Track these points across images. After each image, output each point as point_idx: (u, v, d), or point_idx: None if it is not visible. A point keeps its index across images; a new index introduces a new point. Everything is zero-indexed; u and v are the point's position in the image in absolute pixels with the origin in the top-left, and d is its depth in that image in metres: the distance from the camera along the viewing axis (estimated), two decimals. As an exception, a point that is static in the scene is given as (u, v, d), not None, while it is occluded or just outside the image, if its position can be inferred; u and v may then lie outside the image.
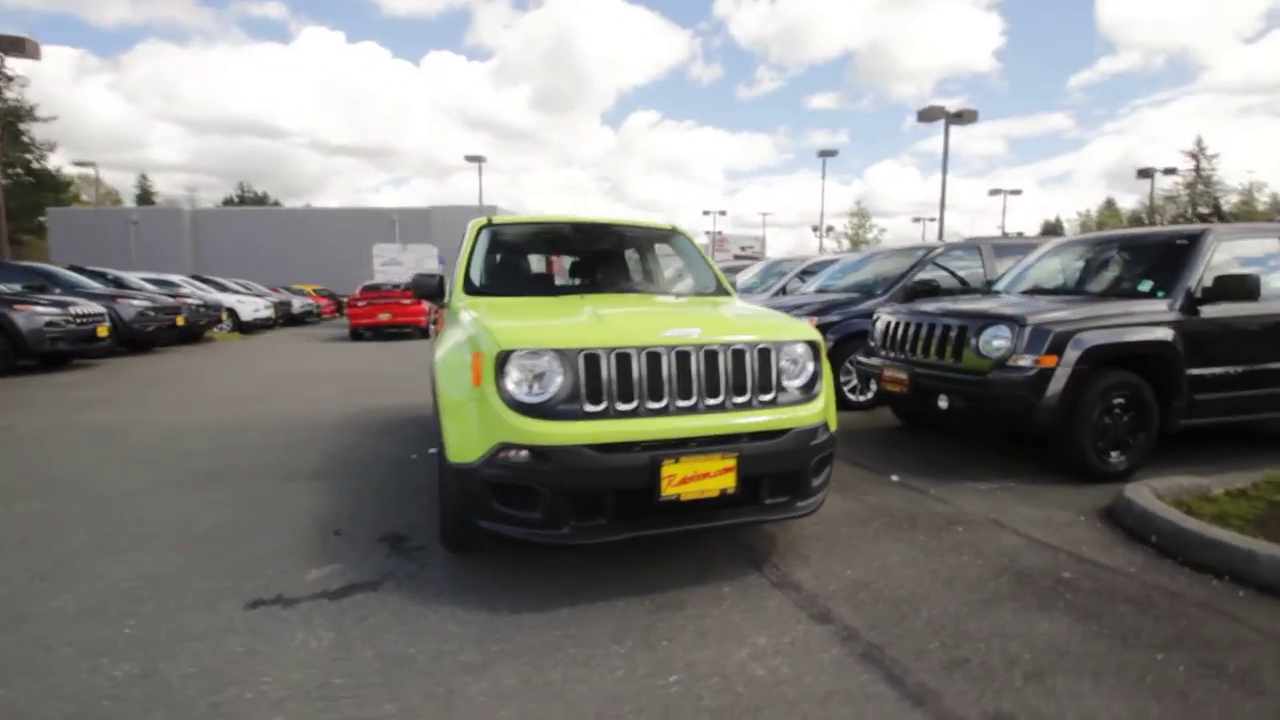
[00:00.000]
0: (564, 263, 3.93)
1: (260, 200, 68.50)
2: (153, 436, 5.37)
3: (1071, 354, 3.87)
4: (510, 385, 2.41)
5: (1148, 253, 4.61)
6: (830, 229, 36.04)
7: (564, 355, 2.42)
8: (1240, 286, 4.02)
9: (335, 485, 4.01)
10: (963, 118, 19.58)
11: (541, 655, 2.16)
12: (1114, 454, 4.01)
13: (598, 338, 2.46)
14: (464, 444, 2.47)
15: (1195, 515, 3.12)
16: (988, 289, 5.75)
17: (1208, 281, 4.12)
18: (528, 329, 2.57)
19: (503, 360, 2.41)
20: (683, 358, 2.51)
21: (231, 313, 16.18)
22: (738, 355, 2.59)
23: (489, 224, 3.78)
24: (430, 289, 3.67)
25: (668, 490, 2.39)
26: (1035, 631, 2.30)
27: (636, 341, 2.47)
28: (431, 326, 4.98)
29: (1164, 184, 63.76)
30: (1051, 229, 71.12)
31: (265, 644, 2.22)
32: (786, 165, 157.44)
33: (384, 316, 15.02)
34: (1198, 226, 4.45)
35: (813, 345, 2.79)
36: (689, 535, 2.63)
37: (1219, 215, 59.23)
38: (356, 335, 15.42)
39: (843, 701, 1.91)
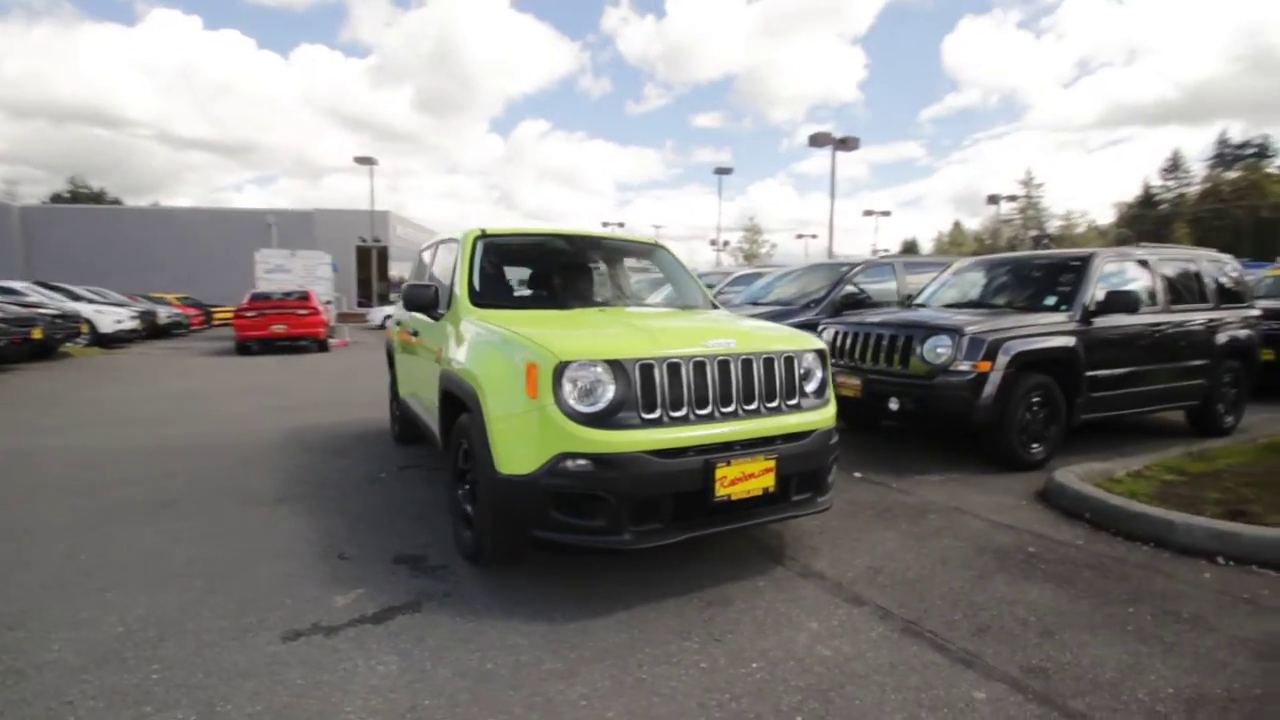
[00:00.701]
0: (561, 276, 3.96)
1: (97, 197, 60.66)
2: (67, 464, 4.74)
3: (1002, 359, 4.45)
4: (568, 396, 2.47)
5: (1048, 271, 5.37)
6: (726, 243, 37.74)
7: (617, 366, 2.51)
8: (1125, 300, 4.81)
9: (310, 508, 3.78)
10: (847, 144, 21.34)
11: (621, 657, 2.23)
12: (1034, 445, 4.64)
13: (649, 349, 2.57)
14: (518, 455, 2.49)
15: (1112, 494, 3.71)
16: (908, 303, 6.39)
17: (1099, 296, 4.88)
18: (580, 340, 2.64)
19: (560, 371, 2.47)
20: (724, 366, 2.68)
21: (89, 324, 14.30)
22: (768, 363, 2.80)
23: (484, 235, 3.75)
24: (426, 300, 3.58)
25: (720, 491, 2.55)
26: (1029, 598, 2.68)
27: (684, 351, 2.61)
28: (394, 339, 4.72)
29: (1002, 209, 72.48)
30: (909, 248, 78.59)
31: (327, 674, 2.13)
32: (675, 180, 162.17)
33: (278, 328, 13.90)
34: (1087, 250, 5.26)
35: (820, 354, 3.06)
36: (708, 536, 2.77)
37: (1046, 238, 68.20)
38: (244, 349, 14.17)
39: (907, 671, 2.15)
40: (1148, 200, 68.97)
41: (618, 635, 2.38)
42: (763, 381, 2.77)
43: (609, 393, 2.51)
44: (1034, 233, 70.58)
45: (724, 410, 2.65)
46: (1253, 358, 5.78)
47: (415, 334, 4.16)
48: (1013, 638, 2.36)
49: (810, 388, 2.97)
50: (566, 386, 2.47)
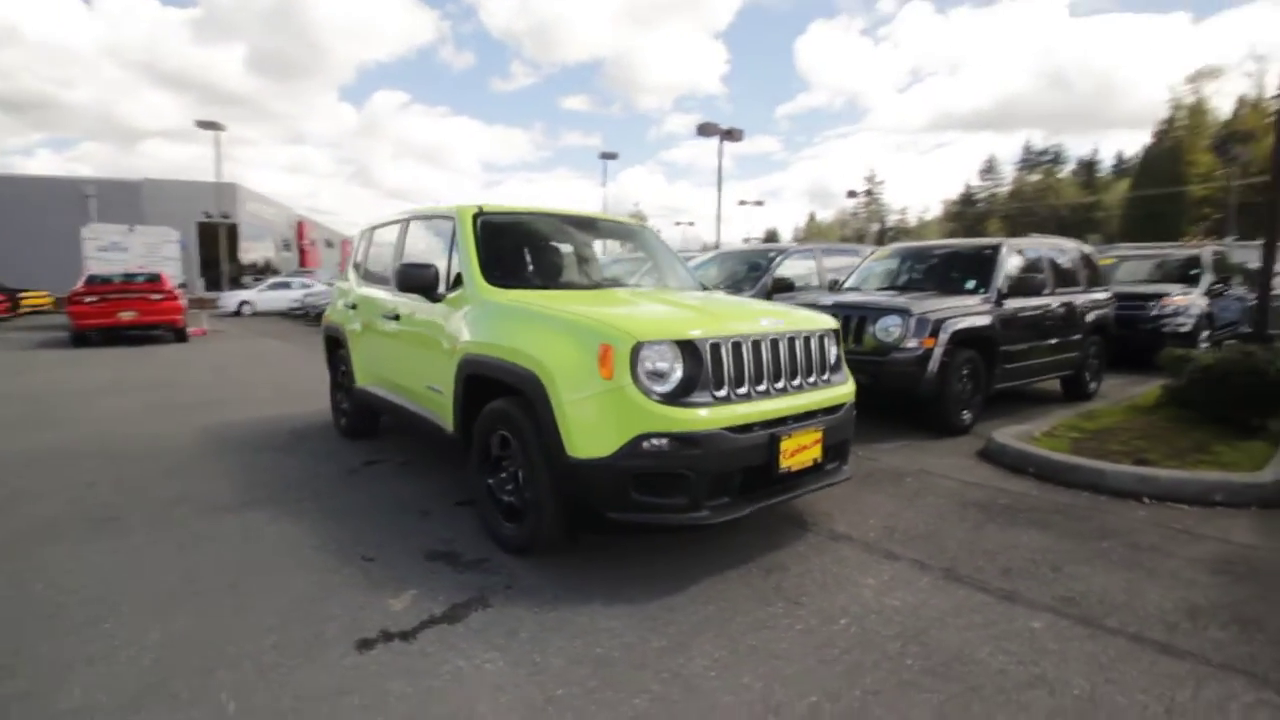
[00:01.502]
0: (566, 257, 3.84)
1: None
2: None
3: (943, 337, 4.98)
4: (644, 376, 2.47)
5: (965, 258, 6.04)
6: None
7: (688, 345, 2.55)
8: (1028, 284, 5.54)
9: (288, 512, 3.43)
10: (733, 135, 22.25)
11: (720, 628, 2.30)
12: (965, 413, 5.24)
13: (716, 328, 2.63)
14: (594, 438, 2.46)
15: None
16: (836, 286, 6.89)
17: (1009, 281, 5.58)
18: (648, 321, 2.63)
19: (637, 351, 2.46)
20: (775, 344, 2.80)
21: None
22: (807, 341, 2.96)
23: (481, 213, 3.56)
24: (427, 280, 3.35)
25: (783, 464, 2.68)
26: (1024, 541, 3.08)
27: (746, 330, 2.70)
28: (344, 326, 4.27)
29: (848, 204, 79.16)
30: (771, 236, 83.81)
31: (434, 679, 2.00)
32: (545, 162, 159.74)
33: (126, 315, 12.05)
34: (995, 240, 5.98)
35: (836, 332, 3.28)
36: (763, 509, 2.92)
37: (886, 230, 75.62)
38: (81, 340, 12.16)
39: (969, 611, 2.42)
40: (968, 199, 78.39)
41: (704, 608, 2.44)
42: (803, 358, 2.93)
43: (678, 372, 2.54)
44: (876, 225, 78.02)
45: (777, 386, 2.78)
46: (1110, 333, 6.89)
47: (395, 318, 3.87)
48: (1033, 575, 2.72)
49: (831, 363, 3.18)
50: (643, 366, 2.47)
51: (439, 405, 3.40)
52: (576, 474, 2.48)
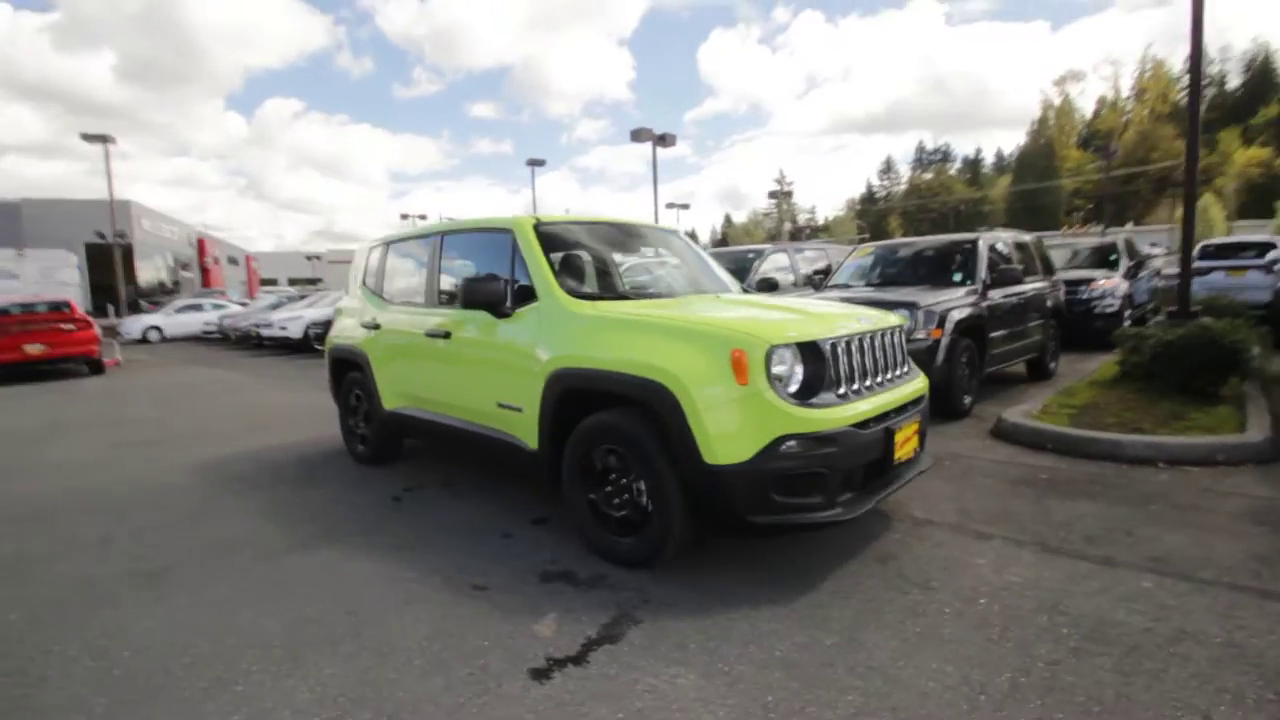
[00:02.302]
0: (619, 263, 3.79)
1: None
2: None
3: (948, 326, 5.29)
4: (778, 380, 2.51)
5: (948, 253, 6.43)
6: None
7: (811, 347, 2.61)
8: (1008, 275, 5.97)
9: (358, 547, 3.22)
10: (665, 140, 22.53)
11: (876, 619, 2.37)
12: (966, 397, 5.59)
13: (829, 330, 2.70)
14: (732, 444, 2.47)
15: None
16: (821, 283, 7.16)
17: (991, 272, 6.00)
18: (769, 324, 2.68)
19: (769, 356, 2.49)
20: (872, 341, 2.91)
21: None
22: (891, 337, 3.09)
23: (540, 223, 3.48)
24: (495, 295, 3.25)
25: (897, 455, 2.79)
26: (1086, 510, 3.34)
27: (852, 330, 2.79)
28: (366, 348, 4.03)
29: (762, 205, 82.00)
30: (691, 236, 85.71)
31: (637, 700, 1.96)
32: (455, 170, 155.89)
33: (35, 348, 10.78)
34: (972, 235, 6.41)
35: (903, 328, 3.43)
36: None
37: (801, 229, 78.98)
38: (-26, 378, 10.80)
39: (1084, 579, 2.61)
40: (870, 197, 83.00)
41: (849, 602, 2.50)
42: (891, 353, 3.06)
43: (800, 373, 2.60)
44: (788, 225, 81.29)
45: (878, 382, 2.89)
46: (1064, 317, 7.52)
47: (445, 336, 3.70)
48: (1113, 541, 2.96)
49: (905, 357, 3.33)
50: (776, 369, 2.51)
51: (514, 423, 3.30)
52: (717, 480, 2.48)
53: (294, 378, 10.78)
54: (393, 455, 4.68)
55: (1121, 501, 3.44)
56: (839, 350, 2.69)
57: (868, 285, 6.52)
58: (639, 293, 3.51)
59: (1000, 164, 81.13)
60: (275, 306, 18.76)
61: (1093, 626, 2.26)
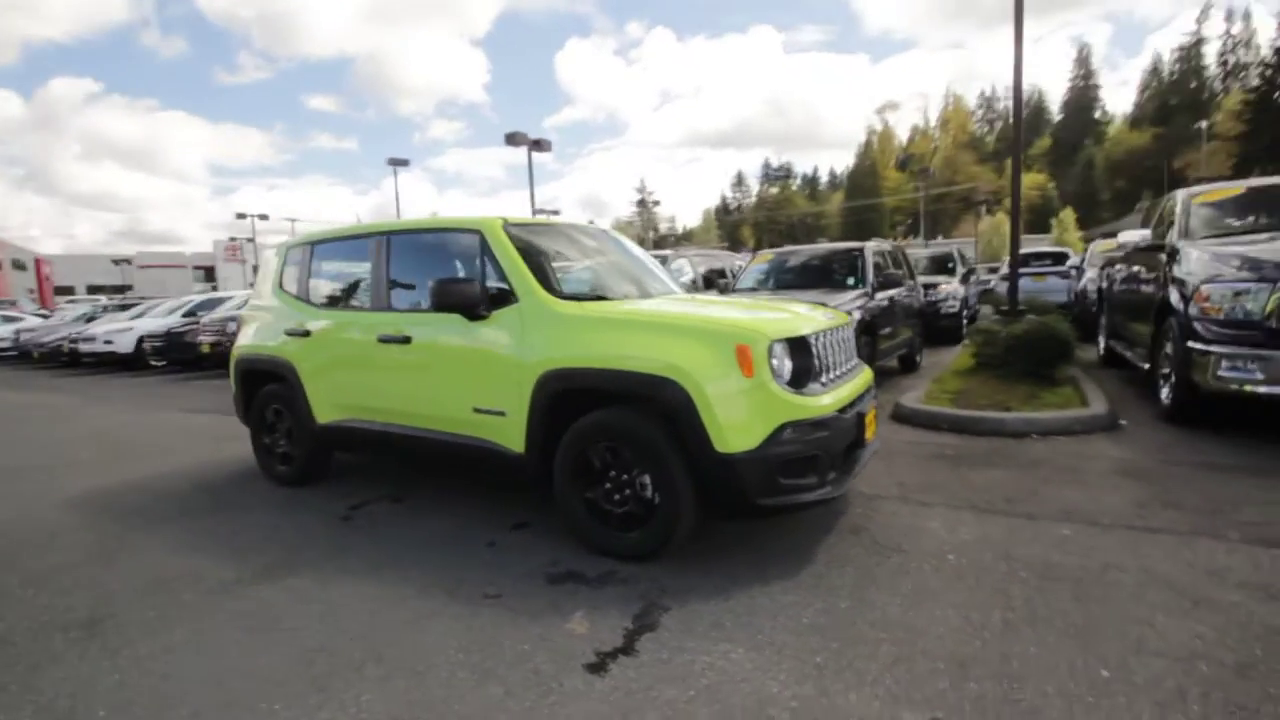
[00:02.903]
0: (592, 265, 3.78)
1: None
2: None
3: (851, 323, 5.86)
4: (779, 371, 2.72)
5: (840, 259, 7.11)
6: None
7: (798, 341, 2.85)
8: (894, 279, 6.74)
9: (328, 572, 2.98)
10: (541, 145, 22.38)
11: (873, 580, 2.65)
12: (865, 388, 6.22)
13: (811, 326, 2.96)
14: (741, 433, 2.64)
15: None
16: (729, 284, 7.61)
17: (878, 277, 6.74)
18: (764, 321, 2.87)
19: (771, 349, 2.70)
20: (836, 335, 3.22)
21: None
22: (847, 331, 3.43)
23: (508, 224, 3.43)
24: (471, 298, 3.16)
25: (867, 438, 3.10)
26: (997, 477, 3.89)
27: (824, 326, 3.08)
28: (295, 358, 3.65)
29: (624, 213, 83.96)
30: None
31: (700, 678, 2.06)
32: (291, 167, 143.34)
33: None
34: (859, 244, 7.14)
35: (850, 324, 3.80)
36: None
37: (665, 237, 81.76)
38: None
39: (1019, 531, 3.07)
40: (725, 209, 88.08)
41: (844, 570, 2.76)
42: (848, 346, 3.40)
43: (789, 366, 2.83)
44: (652, 233, 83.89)
45: (842, 373, 3.20)
46: (926, 316, 8.58)
47: (404, 340, 3.52)
48: (1026, 499, 3.50)
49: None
50: (775, 363, 2.72)
51: (495, 428, 3.23)
52: (730, 468, 2.64)
53: (135, 397, 9.46)
54: (322, 473, 4.32)
55: (1019, 468, 4.07)
56: (818, 344, 2.97)
57: (772, 289, 7.03)
58: (601, 294, 3.57)
59: (834, 181, 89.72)
60: (89, 318, 16.25)
61: (1042, 569, 2.70)
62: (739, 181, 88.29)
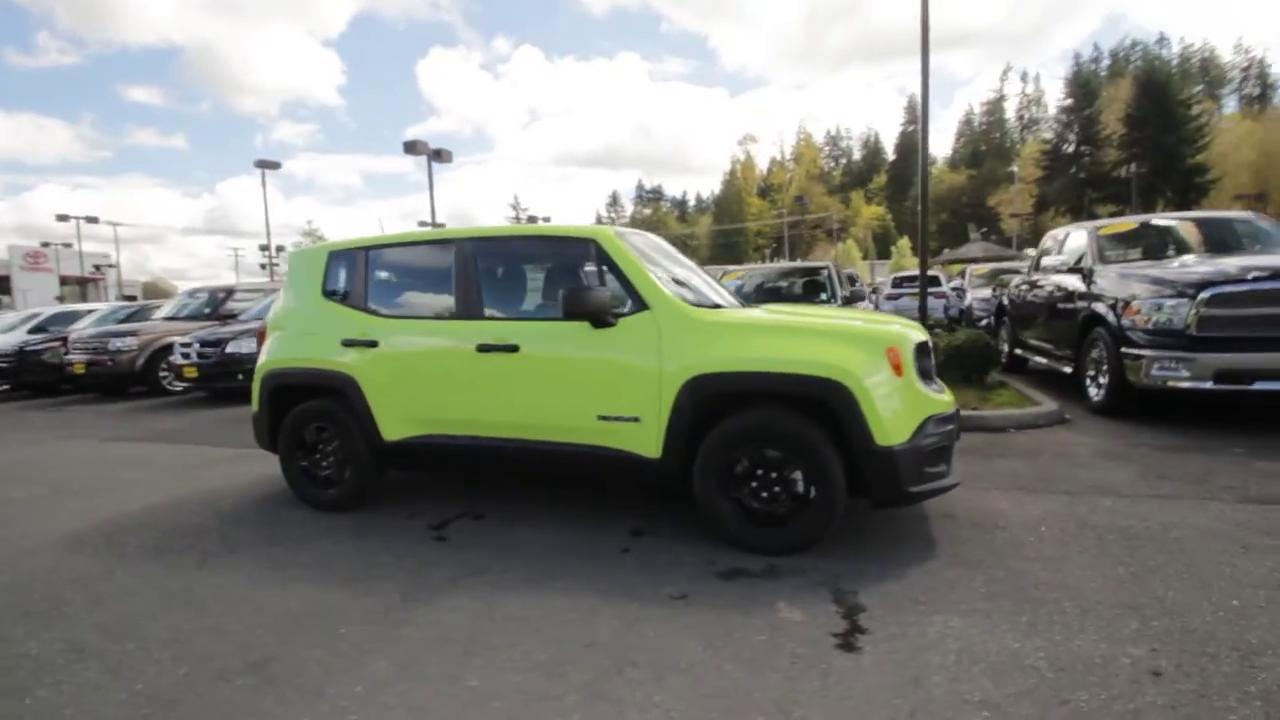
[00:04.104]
0: (683, 274, 3.85)
1: None
2: None
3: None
4: (920, 371, 3.04)
5: (810, 275, 7.70)
6: (281, 249, 31.23)
7: (921, 345, 3.20)
8: (859, 293, 7.45)
9: (490, 594, 2.85)
10: (442, 156, 21.53)
11: (1004, 556, 3.03)
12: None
13: (920, 333, 3.32)
14: (895, 428, 2.92)
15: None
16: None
17: (847, 291, 7.41)
18: (899, 327, 3.17)
19: (913, 351, 3.02)
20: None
21: None
22: (923, 340, 3.86)
23: (619, 233, 3.48)
24: (604, 305, 3.19)
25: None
26: (1007, 465, 4.51)
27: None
28: (360, 371, 3.28)
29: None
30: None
31: (951, 643, 2.29)
32: (105, 164, 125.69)
33: None
34: (823, 261, 7.79)
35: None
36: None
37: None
38: None
39: (1071, 505, 3.62)
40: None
41: (976, 549, 3.12)
42: (925, 352, 3.83)
43: (917, 367, 3.17)
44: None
45: (933, 374, 3.62)
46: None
47: (512, 349, 3.42)
48: (1056, 481, 4.10)
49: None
50: (918, 364, 3.04)
51: (625, 435, 3.26)
52: (889, 459, 2.90)
53: (7, 428, 7.95)
54: (374, 495, 4.02)
55: (1025, 456, 4.72)
56: (929, 348, 3.34)
57: (754, 301, 7.46)
58: (699, 301, 3.71)
59: (701, 205, 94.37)
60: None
61: (1120, 532, 3.23)
62: (614, 201, 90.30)
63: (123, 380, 9.92)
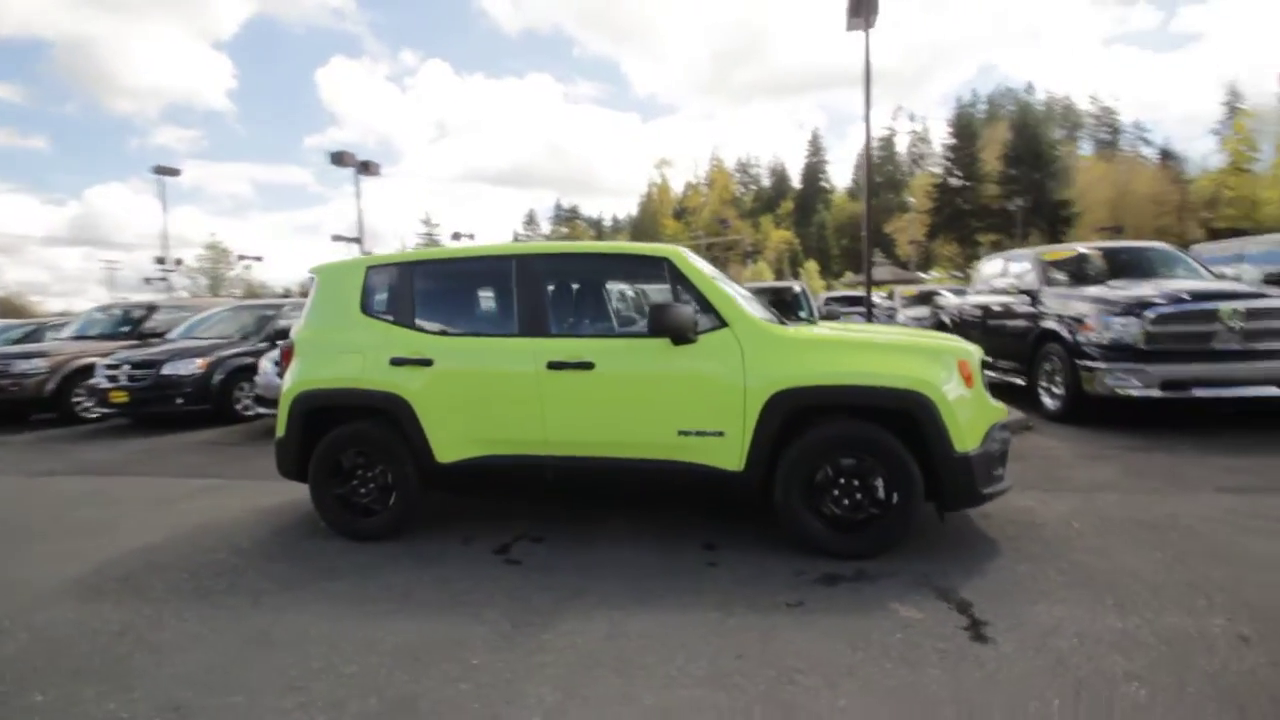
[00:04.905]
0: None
1: None
2: None
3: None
4: (984, 383, 3.30)
5: (780, 295, 8.03)
6: (179, 262, 28.40)
7: (981, 360, 3.47)
8: (833, 314, 7.86)
9: (609, 612, 2.80)
10: (369, 169, 20.58)
11: (1069, 540, 3.32)
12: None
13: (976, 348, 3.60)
14: (970, 434, 3.16)
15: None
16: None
17: (817, 309, 7.80)
18: (958, 343, 3.42)
19: (979, 364, 3.27)
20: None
21: None
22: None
23: (685, 252, 3.55)
24: (688, 322, 3.25)
25: (997, 436, 3.82)
26: (1019, 468, 4.92)
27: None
28: (417, 391, 3.08)
29: (407, 243, 79.82)
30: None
31: (1070, 627, 2.49)
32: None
33: None
34: (794, 282, 8.15)
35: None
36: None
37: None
38: None
39: (1099, 500, 4.02)
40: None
41: (1043, 530, 3.39)
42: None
43: (976, 377, 3.45)
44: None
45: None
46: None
47: (587, 366, 3.39)
48: (1063, 481, 4.52)
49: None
50: (982, 376, 3.30)
51: (706, 449, 3.31)
52: (966, 464, 3.12)
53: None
54: (414, 521, 3.83)
55: (1016, 460, 5.08)
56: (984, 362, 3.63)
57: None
58: (769, 320, 3.84)
59: (618, 225, 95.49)
60: None
61: (1138, 523, 3.61)
62: (530, 220, 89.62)
63: (27, 407, 8.79)
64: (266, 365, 7.65)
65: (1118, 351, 5.88)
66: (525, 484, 3.76)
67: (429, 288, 3.80)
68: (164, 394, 7.97)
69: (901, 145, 77.94)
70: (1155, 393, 5.67)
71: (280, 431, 3.87)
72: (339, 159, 19.46)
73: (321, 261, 4.13)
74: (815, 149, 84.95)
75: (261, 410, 7.75)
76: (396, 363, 3.65)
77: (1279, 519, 3.58)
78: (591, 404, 3.46)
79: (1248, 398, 5.62)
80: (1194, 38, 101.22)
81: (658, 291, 3.76)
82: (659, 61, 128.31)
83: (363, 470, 3.75)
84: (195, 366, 8.15)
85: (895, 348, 3.35)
